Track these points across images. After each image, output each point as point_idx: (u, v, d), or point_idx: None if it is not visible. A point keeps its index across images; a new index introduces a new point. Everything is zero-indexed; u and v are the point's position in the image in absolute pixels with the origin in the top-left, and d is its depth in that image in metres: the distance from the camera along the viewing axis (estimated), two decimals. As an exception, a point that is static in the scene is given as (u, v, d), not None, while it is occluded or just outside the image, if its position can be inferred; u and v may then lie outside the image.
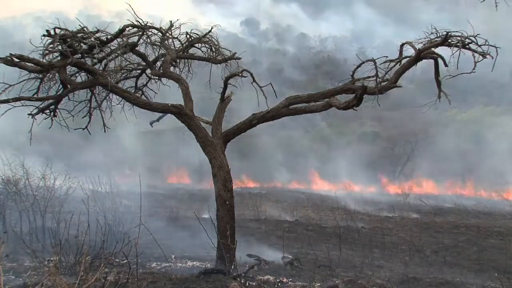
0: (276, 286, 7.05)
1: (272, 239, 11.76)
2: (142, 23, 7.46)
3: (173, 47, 8.28)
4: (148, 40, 7.80)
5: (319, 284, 7.20)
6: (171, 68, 8.21)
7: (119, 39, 7.23)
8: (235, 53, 8.52)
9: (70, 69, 7.23)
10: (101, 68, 7.55)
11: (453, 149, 32.75)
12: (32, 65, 6.32)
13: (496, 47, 6.43)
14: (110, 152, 26.08)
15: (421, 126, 34.57)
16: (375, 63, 6.96)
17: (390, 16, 64.17)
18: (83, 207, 9.25)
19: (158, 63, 8.32)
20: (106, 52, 7.30)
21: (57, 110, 7.27)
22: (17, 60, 6.20)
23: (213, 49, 8.54)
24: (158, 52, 8.19)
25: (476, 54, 6.45)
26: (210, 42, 8.49)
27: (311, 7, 71.65)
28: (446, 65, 6.68)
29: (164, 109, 7.68)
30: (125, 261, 6.28)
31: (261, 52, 56.85)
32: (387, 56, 7.23)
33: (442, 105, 7.07)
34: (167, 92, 8.85)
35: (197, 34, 8.51)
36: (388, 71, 7.12)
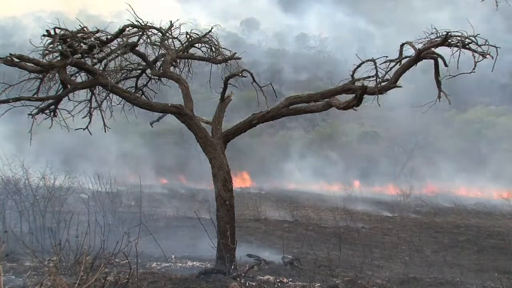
0: (276, 286, 7.06)
1: (272, 239, 11.77)
2: (142, 23, 7.46)
3: (173, 47, 8.28)
4: (148, 40, 7.80)
5: (319, 284, 7.20)
6: (171, 68, 8.20)
7: (119, 39, 7.22)
8: (235, 53, 8.52)
9: (70, 69, 7.22)
10: (101, 68, 7.54)
11: (453, 149, 32.76)
12: (32, 65, 6.31)
13: (496, 47, 6.43)
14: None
15: (421, 126, 34.58)
16: (375, 63, 6.95)
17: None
18: (83, 207, 9.27)
19: (158, 63, 8.31)
20: (106, 52, 7.30)
21: (57, 110, 7.26)
22: (17, 60, 6.20)
23: (213, 49, 8.53)
24: (158, 52, 8.18)
25: (476, 54, 6.45)
26: (210, 42, 8.49)
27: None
28: (446, 65, 6.68)
29: (164, 109, 7.68)
30: (125, 261, 6.28)
31: (260, 52, 56.84)
32: (387, 56, 7.22)
33: (442, 105, 7.07)
34: (167, 92, 8.86)
35: (197, 34, 8.51)
36: (388, 71, 7.11)
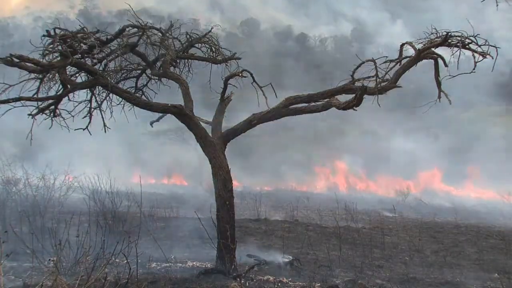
0: (276, 286, 7.06)
1: (272, 239, 11.75)
2: (142, 23, 7.46)
3: (173, 47, 8.28)
4: (148, 40, 7.80)
5: (319, 284, 7.21)
6: (171, 68, 8.21)
7: (119, 39, 7.23)
8: (235, 53, 8.53)
9: (70, 69, 7.22)
10: (101, 68, 7.54)
11: (454, 149, 32.77)
12: (32, 65, 6.31)
13: (496, 47, 6.44)
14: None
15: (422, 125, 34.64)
16: (375, 63, 6.95)
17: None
18: (83, 207, 9.25)
19: (158, 63, 8.32)
20: (106, 52, 7.30)
21: (57, 110, 7.25)
22: (17, 60, 6.19)
23: (213, 49, 8.54)
24: (158, 52, 8.19)
25: (476, 54, 6.46)
26: (210, 42, 8.50)
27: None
28: (446, 65, 6.68)
29: (164, 109, 7.68)
30: (125, 261, 6.28)
31: (260, 52, 56.81)
32: (387, 56, 7.22)
33: (443, 104, 7.07)
34: (166, 92, 8.86)
35: (197, 34, 8.52)
36: (388, 71, 7.11)
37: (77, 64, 6.81)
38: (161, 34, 8.11)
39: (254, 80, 8.14)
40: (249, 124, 7.73)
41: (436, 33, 6.72)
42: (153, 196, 18.21)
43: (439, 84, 6.93)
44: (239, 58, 8.48)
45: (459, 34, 6.60)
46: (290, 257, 8.87)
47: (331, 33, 66.82)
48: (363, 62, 7.14)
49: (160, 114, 8.56)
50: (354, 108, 7.08)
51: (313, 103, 7.56)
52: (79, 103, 7.80)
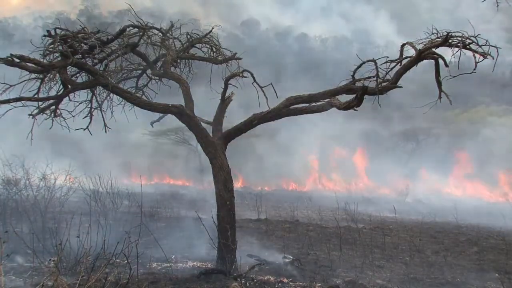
0: (276, 286, 7.06)
1: (273, 239, 11.76)
2: (143, 24, 7.47)
3: (173, 47, 8.29)
4: (149, 41, 7.81)
5: (319, 285, 7.21)
6: (172, 69, 8.21)
7: (119, 40, 7.23)
8: (236, 53, 8.53)
9: (70, 70, 7.22)
10: (101, 69, 7.54)
11: (454, 149, 32.77)
12: (33, 65, 6.31)
13: (496, 47, 6.43)
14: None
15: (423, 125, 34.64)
16: (375, 63, 6.94)
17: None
18: (84, 207, 9.25)
19: (159, 64, 8.32)
20: (107, 52, 7.30)
21: (57, 110, 7.25)
22: (17, 60, 6.19)
23: (214, 50, 8.55)
24: (159, 52, 8.20)
25: (476, 55, 6.45)
26: (210, 42, 8.50)
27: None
28: (446, 65, 6.67)
29: (165, 110, 7.68)
30: (126, 261, 6.29)
31: (261, 52, 56.80)
32: (387, 57, 7.21)
33: (443, 104, 7.06)
34: (166, 92, 8.86)
35: (198, 35, 8.53)
36: (388, 71, 7.10)
37: (78, 64, 6.81)
38: (161, 34, 8.11)
39: (254, 80, 8.14)
40: (250, 124, 7.73)
41: (437, 33, 6.70)
42: (154, 196, 18.22)
43: (439, 84, 6.91)
44: (240, 58, 8.48)
45: (460, 34, 6.58)
46: (291, 257, 8.88)
47: (329, 32, 66.83)
48: (364, 62, 7.12)
49: (161, 114, 8.55)
50: (355, 108, 7.07)
51: (313, 103, 7.55)
52: (79, 103, 7.81)
